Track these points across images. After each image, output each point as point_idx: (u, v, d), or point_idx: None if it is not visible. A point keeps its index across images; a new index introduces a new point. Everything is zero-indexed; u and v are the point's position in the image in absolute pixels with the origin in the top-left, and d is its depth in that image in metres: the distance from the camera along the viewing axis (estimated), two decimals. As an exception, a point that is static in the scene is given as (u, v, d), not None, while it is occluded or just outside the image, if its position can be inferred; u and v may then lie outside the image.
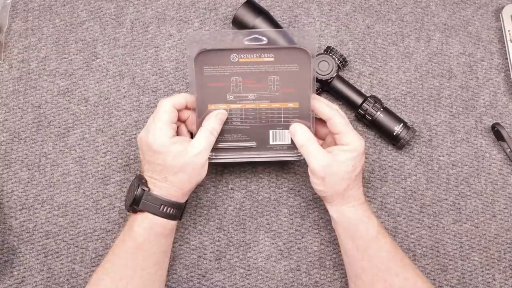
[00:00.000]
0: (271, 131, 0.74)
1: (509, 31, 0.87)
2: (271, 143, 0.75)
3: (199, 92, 0.72)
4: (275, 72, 0.72)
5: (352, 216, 0.72)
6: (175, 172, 0.70)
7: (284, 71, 0.72)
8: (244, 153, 0.75)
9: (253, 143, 0.75)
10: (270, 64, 0.71)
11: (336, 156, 0.70)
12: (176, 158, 0.69)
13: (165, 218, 0.71)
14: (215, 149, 0.74)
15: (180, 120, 0.74)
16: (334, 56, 0.82)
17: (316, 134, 0.75)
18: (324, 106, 0.72)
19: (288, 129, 0.74)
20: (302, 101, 0.73)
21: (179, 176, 0.70)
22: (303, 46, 0.71)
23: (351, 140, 0.70)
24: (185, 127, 0.75)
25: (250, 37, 0.72)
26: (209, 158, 0.74)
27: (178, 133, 0.74)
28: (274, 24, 0.84)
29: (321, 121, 0.74)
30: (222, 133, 0.74)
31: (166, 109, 0.70)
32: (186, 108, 0.73)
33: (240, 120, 0.74)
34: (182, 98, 0.72)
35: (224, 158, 0.75)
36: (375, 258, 0.71)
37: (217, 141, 0.74)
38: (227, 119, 0.74)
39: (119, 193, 0.83)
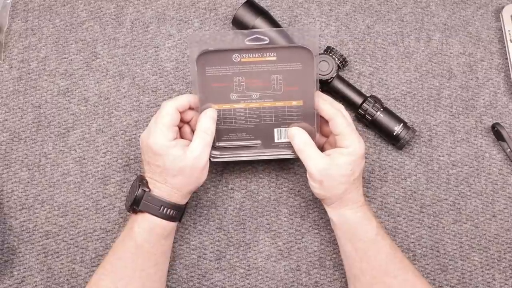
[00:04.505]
0: (276, 129, 0.75)
1: (509, 31, 0.87)
2: (276, 141, 0.75)
3: (202, 92, 0.72)
4: (278, 71, 0.72)
5: (351, 219, 0.72)
6: (174, 175, 0.70)
7: (287, 70, 0.72)
8: (249, 152, 0.76)
9: (258, 142, 0.75)
10: (273, 63, 0.71)
11: (334, 160, 0.70)
12: (175, 161, 0.69)
13: (165, 219, 0.71)
14: (220, 148, 0.75)
15: (183, 121, 0.74)
16: (334, 56, 0.82)
17: (320, 131, 0.75)
18: (327, 106, 0.72)
19: None
20: (306, 99, 0.73)
21: (178, 179, 0.70)
22: (305, 44, 0.71)
23: (351, 143, 0.70)
24: (188, 128, 0.75)
25: (251, 37, 0.72)
26: (214, 157, 0.74)
27: (181, 134, 0.74)
28: (274, 24, 0.84)
29: (325, 119, 0.73)
30: (226, 132, 0.74)
31: (169, 111, 0.70)
32: (190, 108, 0.73)
33: (245, 119, 0.74)
34: (185, 100, 0.72)
35: (229, 156, 0.75)
36: (374, 260, 0.71)
37: (222, 140, 0.74)
38: (231, 118, 0.74)
39: (119, 193, 0.83)
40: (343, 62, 0.83)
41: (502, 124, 0.83)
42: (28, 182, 0.83)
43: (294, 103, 0.73)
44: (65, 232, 0.82)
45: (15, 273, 0.81)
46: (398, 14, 0.89)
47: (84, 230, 0.82)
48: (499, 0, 0.90)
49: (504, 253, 0.82)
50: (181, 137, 0.74)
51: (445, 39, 0.88)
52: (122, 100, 0.86)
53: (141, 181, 0.71)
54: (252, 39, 0.72)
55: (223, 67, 0.71)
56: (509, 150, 0.83)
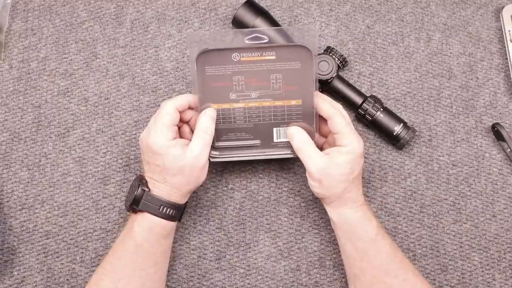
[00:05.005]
0: (275, 129, 0.75)
1: (509, 31, 0.87)
2: (275, 140, 0.75)
3: (201, 92, 0.72)
4: (277, 70, 0.72)
5: (351, 218, 0.72)
6: (173, 174, 0.70)
7: (286, 69, 0.72)
8: (249, 151, 0.76)
9: (257, 141, 0.75)
10: (272, 62, 0.71)
11: (333, 159, 0.70)
12: (174, 161, 0.69)
13: (165, 218, 0.71)
14: (219, 148, 0.75)
15: (182, 121, 0.74)
16: (334, 56, 0.82)
17: (319, 131, 0.75)
18: (326, 105, 0.72)
19: None
20: (305, 99, 0.73)
21: (177, 178, 0.70)
22: (304, 43, 0.71)
23: (350, 142, 0.70)
24: (188, 128, 0.75)
25: (250, 36, 0.72)
26: (213, 157, 0.74)
27: (180, 133, 0.75)
28: (274, 24, 0.84)
29: (324, 119, 0.73)
30: (226, 132, 0.74)
31: (168, 111, 0.70)
32: (189, 108, 0.73)
33: (244, 119, 0.74)
34: (185, 100, 0.72)
35: (229, 156, 0.75)
36: (374, 260, 0.71)
37: (221, 140, 0.74)
38: (230, 118, 0.74)
39: (119, 193, 0.83)
40: (343, 62, 0.83)
41: (502, 124, 0.83)
42: (28, 182, 0.83)
43: (293, 102, 0.73)
44: (65, 232, 0.82)
45: (15, 273, 0.81)
46: (398, 14, 0.89)
47: (84, 230, 0.82)
48: (499, 0, 0.90)
49: (504, 253, 0.82)
50: (181, 136, 0.74)
51: (445, 39, 0.88)
52: (122, 100, 0.86)
53: (141, 180, 0.71)
54: (251, 38, 0.72)
55: (223, 66, 0.71)
56: (509, 150, 0.83)
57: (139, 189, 0.70)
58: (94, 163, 0.84)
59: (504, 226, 0.82)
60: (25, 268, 0.81)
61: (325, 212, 0.74)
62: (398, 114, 0.84)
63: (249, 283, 0.81)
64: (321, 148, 0.76)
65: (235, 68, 0.72)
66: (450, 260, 0.81)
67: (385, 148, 0.85)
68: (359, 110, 0.82)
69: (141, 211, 0.71)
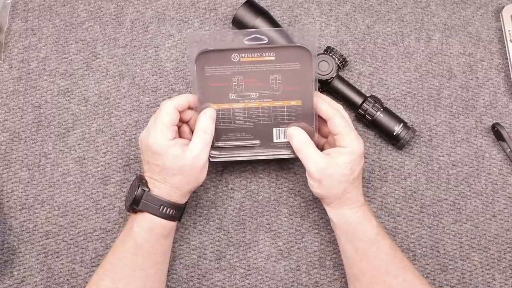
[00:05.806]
0: (274, 129, 0.75)
1: (509, 31, 0.87)
2: (275, 141, 0.75)
3: (201, 92, 0.72)
4: (277, 70, 0.72)
5: (351, 219, 0.72)
6: (173, 174, 0.70)
7: (286, 70, 0.72)
8: (248, 151, 0.76)
9: (256, 141, 0.75)
10: (272, 63, 0.71)
11: (333, 159, 0.70)
12: (174, 161, 0.69)
13: (165, 218, 0.71)
14: (219, 148, 0.75)
15: (182, 121, 0.74)
16: (334, 56, 0.82)
17: (319, 132, 0.75)
18: (326, 105, 0.72)
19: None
20: (304, 99, 0.73)
21: (177, 178, 0.70)
22: (303, 44, 0.71)
23: (350, 143, 0.70)
24: (187, 128, 0.75)
25: (250, 36, 0.72)
26: (213, 157, 0.74)
27: (180, 133, 0.75)
28: (274, 24, 0.84)
29: (324, 119, 0.73)
30: (225, 132, 0.74)
31: (168, 111, 0.70)
32: (189, 108, 0.73)
33: (243, 119, 0.74)
34: (184, 100, 0.72)
35: (228, 156, 0.75)
36: (374, 260, 0.71)
37: (221, 140, 0.74)
38: (230, 118, 0.74)
39: (119, 193, 0.83)
40: (343, 62, 0.83)
41: (502, 124, 0.83)
42: (28, 182, 0.83)
43: (293, 103, 0.73)
44: (65, 232, 0.82)
45: (15, 273, 0.81)
46: (398, 14, 0.89)
47: (84, 230, 0.82)
48: (499, 0, 0.90)
49: (504, 253, 0.82)
50: (180, 136, 0.74)
51: (445, 39, 0.88)
52: (122, 100, 0.86)
53: (141, 180, 0.71)
54: (251, 39, 0.72)
55: (222, 66, 0.71)
56: (509, 150, 0.83)
57: (139, 189, 0.70)
58: (94, 163, 0.84)
59: (504, 226, 0.82)
60: (25, 268, 0.81)
61: (325, 212, 0.75)
62: (398, 114, 0.84)
63: (249, 283, 0.81)
64: (321, 149, 0.76)
65: (234, 69, 0.72)
66: (450, 260, 0.81)
67: (385, 148, 0.85)
68: (359, 110, 0.82)
69: (141, 211, 0.71)
